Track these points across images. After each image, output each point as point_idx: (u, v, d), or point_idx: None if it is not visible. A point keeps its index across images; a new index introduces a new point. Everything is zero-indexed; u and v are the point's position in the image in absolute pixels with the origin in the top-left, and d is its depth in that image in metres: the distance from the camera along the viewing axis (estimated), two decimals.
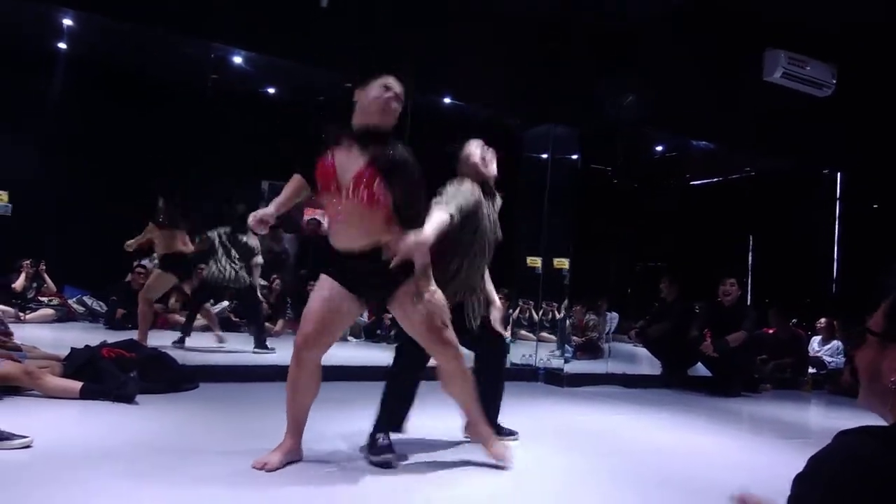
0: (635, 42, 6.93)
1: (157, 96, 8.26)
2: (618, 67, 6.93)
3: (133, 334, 5.74)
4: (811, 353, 7.91)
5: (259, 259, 6.48)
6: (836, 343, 7.88)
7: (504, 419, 3.61)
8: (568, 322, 7.74)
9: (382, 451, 3.02)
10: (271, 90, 9.19)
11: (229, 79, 7.92)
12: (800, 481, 1.28)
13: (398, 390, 3.29)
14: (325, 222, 9.14)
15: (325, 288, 2.89)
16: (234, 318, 8.04)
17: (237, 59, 7.40)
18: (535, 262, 7.49)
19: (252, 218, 2.92)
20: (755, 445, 4.22)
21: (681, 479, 3.17)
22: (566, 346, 7.36)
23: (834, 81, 7.65)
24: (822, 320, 8.14)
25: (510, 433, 3.60)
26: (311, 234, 9.70)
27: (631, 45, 6.93)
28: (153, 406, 3.89)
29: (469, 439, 3.29)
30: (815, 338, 8.16)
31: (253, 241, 6.44)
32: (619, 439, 4.10)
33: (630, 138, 8.77)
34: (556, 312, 7.89)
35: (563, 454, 3.50)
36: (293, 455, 2.90)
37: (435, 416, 3.62)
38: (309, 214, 10.22)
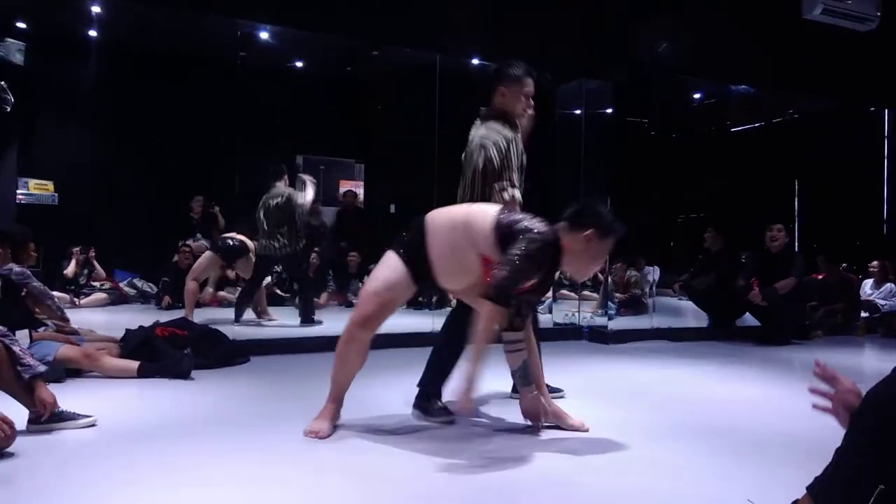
0: None
1: (190, 77, 8.35)
2: (651, 13, 6.73)
3: (182, 312, 5.89)
4: (864, 297, 7.72)
5: (300, 199, 6.34)
6: (889, 285, 7.67)
7: (550, 378, 3.62)
8: (609, 279, 7.68)
9: (441, 413, 3.15)
10: (299, 63, 9.19)
11: (258, 55, 7.95)
12: (858, 416, 1.26)
13: (443, 361, 3.30)
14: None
15: (391, 268, 2.87)
16: (279, 292, 8.17)
17: (264, 35, 7.41)
18: None
19: (464, 406, 2.71)
20: (808, 393, 4.15)
21: (733, 428, 3.15)
22: (609, 302, 7.32)
23: (878, 14, 7.31)
24: (875, 263, 7.92)
25: (556, 391, 3.62)
26: (348, 205, 9.76)
27: None
28: (208, 381, 4.01)
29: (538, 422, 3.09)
30: (867, 281, 7.95)
31: (280, 193, 6.33)
32: (669, 392, 4.09)
33: (666, 88, 8.56)
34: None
35: (613, 409, 3.51)
36: (337, 418, 2.99)
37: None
38: (345, 186, 10.28)
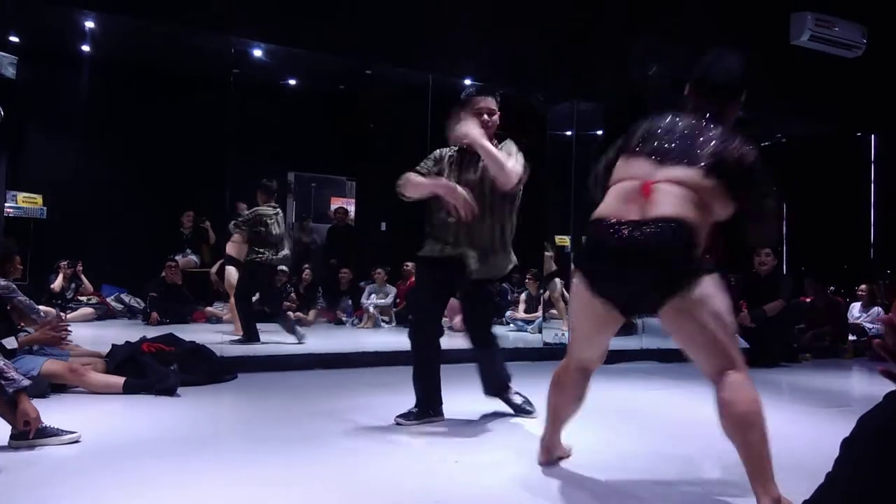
0: (660, 10, 6.80)
1: (182, 93, 8.36)
2: (642, 36, 6.81)
3: (170, 329, 5.84)
4: (851, 320, 7.76)
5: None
6: (876, 309, 7.72)
7: (539, 398, 3.60)
8: None
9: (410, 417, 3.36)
10: (292, 81, 9.23)
11: (251, 72, 7.97)
12: (849, 443, 1.24)
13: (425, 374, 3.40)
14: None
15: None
16: (267, 311, 8.10)
17: (257, 52, 7.43)
18: (565, 240, 7.45)
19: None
20: (796, 415, 4.16)
21: (722, 451, 3.13)
22: None
23: (864, 41, 7.43)
24: (863, 286, 7.98)
25: (524, 410, 3.64)
26: (339, 222, 9.76)
27: (656, 13, 6.80)
28: (194, 398, 3.97)
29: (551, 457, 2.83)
30: (854, 304, 8.00)
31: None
32: (658, 414, 4.08)
33: (656, 110, 8.64)
34: None
35: (601, 430, 3.49)
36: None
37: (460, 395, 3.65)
38: (336, 203, 10.29)
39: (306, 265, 8.83)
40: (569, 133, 7.52)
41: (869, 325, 7.62)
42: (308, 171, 10.45)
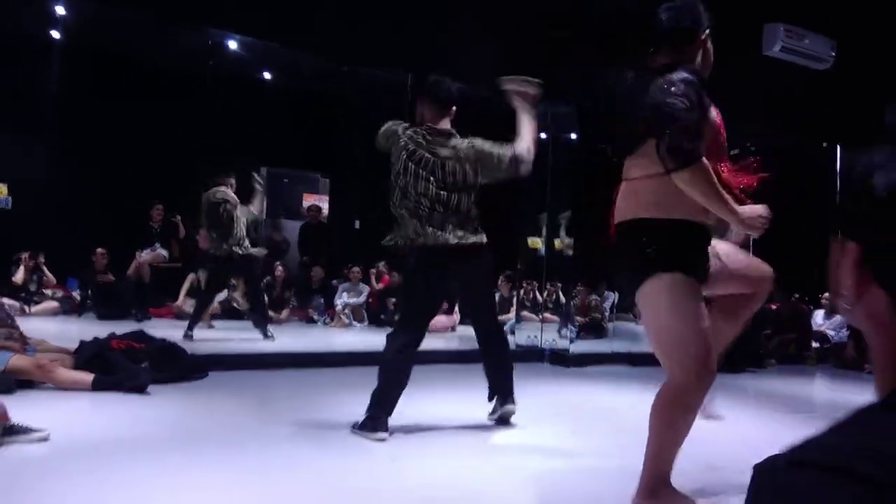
0: (633, 19, 6.87)
1: (154, 84, 8.22)
2: (616, 45, 6.88)
3: (119, 325, 5.74)
4: (815, 328, 7.95)
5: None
6: (839, 317, 7.90)
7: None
8: (572, 302, 7.76)
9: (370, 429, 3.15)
10: (268, 76, 9.14)
11: (226, 65, 7.88)
12: None
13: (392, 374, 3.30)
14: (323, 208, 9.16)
15: None
16: (237, 306, 8.04)
17: (233, 45, 7.36)
18: (537, 243, 7.50)
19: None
20: (761, 420, 4.25)
21: (687, 455, 3.18)
22: (570, 326, 7.39)
23: (833, 54, 7.61)
24: (827, 294, 8.16)
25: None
26: (311, 220, 9.69)
27: (629, 22, 6.86)
28: (165, 396, 3.91)
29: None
30: (818, 311, 8.19)
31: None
32: (627, 417, 4.12)
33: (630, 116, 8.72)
34: (560, 293, 7.91)
35: (572, 433, 3.53)
36: None
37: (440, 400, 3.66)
38: (309, 200, 10.21)
39: (278, 263, 8.75)
40: (544, 136, 7.56)
41: (831, 333, 7.81)
42: (281, 167, 10.34)
